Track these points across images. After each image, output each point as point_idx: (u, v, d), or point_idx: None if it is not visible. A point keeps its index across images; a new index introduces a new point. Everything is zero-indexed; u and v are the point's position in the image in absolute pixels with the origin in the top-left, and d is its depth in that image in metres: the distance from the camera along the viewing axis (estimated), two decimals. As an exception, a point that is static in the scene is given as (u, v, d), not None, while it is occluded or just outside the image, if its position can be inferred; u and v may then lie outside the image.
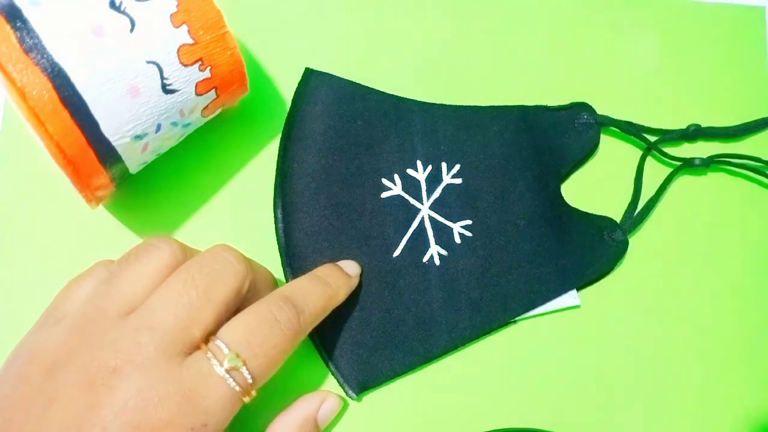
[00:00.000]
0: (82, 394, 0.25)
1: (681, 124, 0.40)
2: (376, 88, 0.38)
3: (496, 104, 0.39)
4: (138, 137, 0.30)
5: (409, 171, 0.37)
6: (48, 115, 0.27)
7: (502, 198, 0.37)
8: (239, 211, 0.36)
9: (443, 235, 0.37)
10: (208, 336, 0.27)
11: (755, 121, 0.40)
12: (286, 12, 0.39)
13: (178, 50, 0.30)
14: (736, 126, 0.40)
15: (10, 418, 0.25)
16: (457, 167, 0.38)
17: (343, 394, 0.35)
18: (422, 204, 0.37)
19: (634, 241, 0.38)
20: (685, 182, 0.40)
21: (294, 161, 0.36)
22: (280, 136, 0.37)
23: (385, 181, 0.37)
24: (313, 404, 0.32)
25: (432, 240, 0.37)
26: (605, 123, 0.39)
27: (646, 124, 0.40)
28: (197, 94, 0.31)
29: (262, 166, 0.37)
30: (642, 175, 0.39)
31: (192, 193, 0.36)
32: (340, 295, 0.33)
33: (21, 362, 0.27)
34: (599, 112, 0.39)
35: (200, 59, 0.30)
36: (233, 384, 0.26)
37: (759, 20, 0.42)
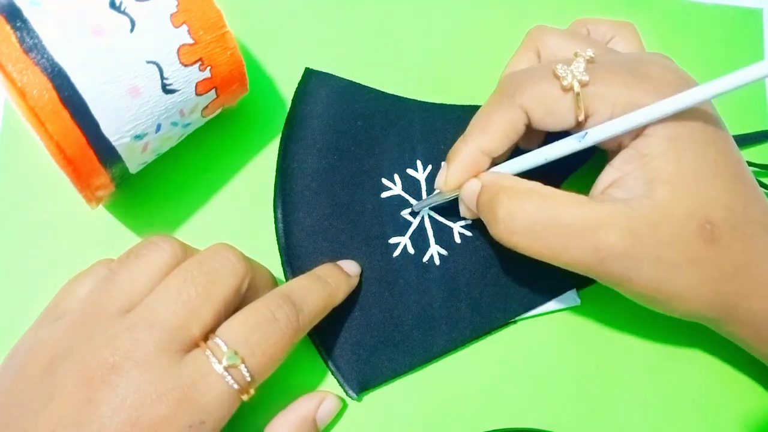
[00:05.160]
0: (81, 391, 0.25)
1: (681, 124, 0.40)
2: (376, 88, 0.38)
3: (496, 104, 0.39)
4: (138, 137, 0.30)
5: (409, 171, 0.37)
6: (48, 115, 0.27)
7: (502, 198, 0.37)
8: (239, 211, 0.37)
9: (443, 234, 0.37)
10: (207, 334, 0.27)
11: (754, 133, 0.40)
12: (286, 12, 0.39)
13: (178, 50, 0.30)
14: (735, 135, 0.40)
15: (9, 413, 0.25)
16: (457, 167, 0.38)
17: (343, 394, 0.35)
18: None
19: (634, 240, 0.38)
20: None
21: (294, 161, 0.37)
22: (280, 136, 0.37)
23: (385, 181, 0.37)
24: (312, 404, 0.32)
25: (432, 240, 0.37)
26: (605, 123, 0.39)
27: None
28: (197, 94, 0.31)
29: (262, 166, 0.37)
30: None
31: (192, 193, 0.36)
32: (340, 295, 0.33)
33: (20, 358, 0.27)
34: (599, 112, 0.39)
35: (200, 59, 0.30)
36: (231, 382, 0.26)
37: (756, 22, 0.42)
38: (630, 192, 0.29)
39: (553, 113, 0.30)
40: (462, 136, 0.33)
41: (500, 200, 0.30)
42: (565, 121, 0.31)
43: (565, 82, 0.30)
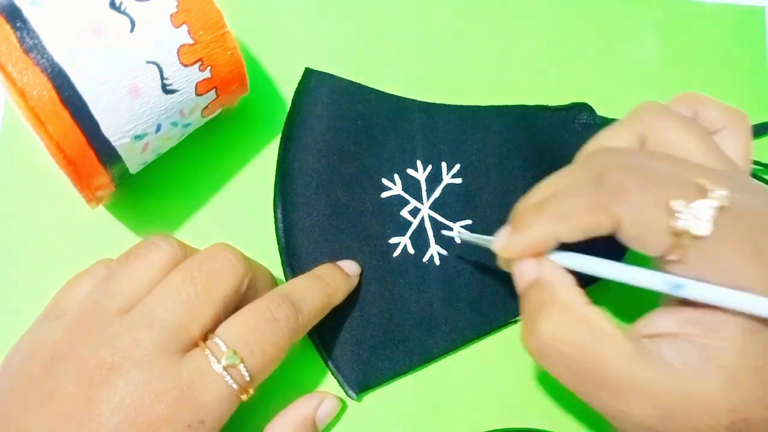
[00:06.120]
0: (80, 390, 0.25)
1: (681, 124, 0.40)
2: (376, 88, 0.38)
3: (496, 104, 0.39)
4: (138, 137, 0.30)
5: (409, 171, 0.37)
6: (48, 115, 0.27)
7: (502, 198, 0.37)
8: (239, 211, 0.37)
9: (443, 234, 0.37)
10: (207, 333, 0.27)
11: (755, 126, 0.40)
12: (286, 12, 0.39)
13: (178, 50, 0.30)
14: None
15: (9, 413, 0.25)
16: (457, 167, 0.38)
17: (343, 394, 0.35)
18: (422, 204, 0.37)
19: (635, 240, 0.38)
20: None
21: (294, 161, 0.37)
22: (280, 136, 0.37)
23: (385, 181, 0.37)
24: (312, 404, 0.32)
25: (432, 240, 0.37)
26: (605, 123, 0.39)
27: (646, 124, 0.39)
28: (197, 94, 0.31)
29: (262, 166, 0.37)
30: (642, 175, 0.39)
31: (192, 193, 0.36)
32: (339, 295, 0.33)
33: (20, 358, 0.27)
34: (599, 112, 0.39)
35: (200, 59, 0.30)
36: (231, 381, 0.26)
37: (759, 21, 0.42)
38: (681, 359, 0.26)
39: (643, 240, 0.26)
40: (538, 204, 0.29)
41: (546, 316, 0.27)
42: (650, 251, 0.27)
43: (677, 223, 0.25)
